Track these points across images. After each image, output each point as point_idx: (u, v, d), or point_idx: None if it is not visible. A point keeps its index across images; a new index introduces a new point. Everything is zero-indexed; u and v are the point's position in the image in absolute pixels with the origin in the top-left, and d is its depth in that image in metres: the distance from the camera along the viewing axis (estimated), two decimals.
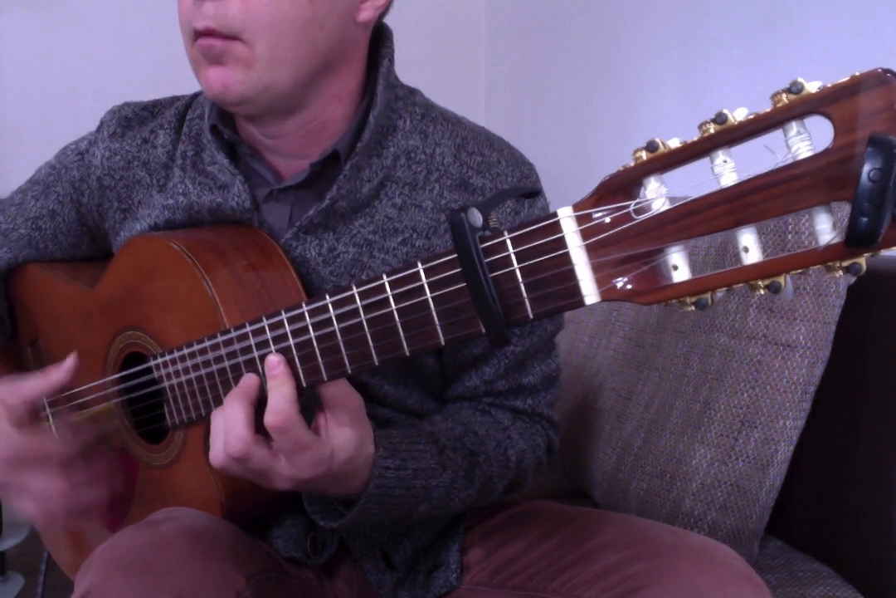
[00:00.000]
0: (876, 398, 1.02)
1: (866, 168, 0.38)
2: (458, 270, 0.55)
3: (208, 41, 0.75)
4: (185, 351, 0.75)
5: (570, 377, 1.42)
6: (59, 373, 0.82)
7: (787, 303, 0.99)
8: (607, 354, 1.34)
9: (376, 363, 0.62)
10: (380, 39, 0.85)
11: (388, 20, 0.86)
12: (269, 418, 0.64)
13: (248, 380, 0.68)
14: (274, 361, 0.66)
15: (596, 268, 0.50)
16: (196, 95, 0.92)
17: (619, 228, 0.49)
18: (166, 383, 0.79)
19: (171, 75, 1.23)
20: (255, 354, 0.68)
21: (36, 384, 0.82)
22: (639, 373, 1.23)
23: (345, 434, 0.68)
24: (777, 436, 1.00)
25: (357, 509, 0.72)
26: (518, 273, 0.53)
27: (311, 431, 0.66)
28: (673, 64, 1.60)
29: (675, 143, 0.46)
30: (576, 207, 0.50)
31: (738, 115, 0.44)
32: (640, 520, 0.80)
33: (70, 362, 0.82)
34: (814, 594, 0.99)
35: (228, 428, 0.65)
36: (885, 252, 0.41)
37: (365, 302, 0.60)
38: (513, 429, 0.86)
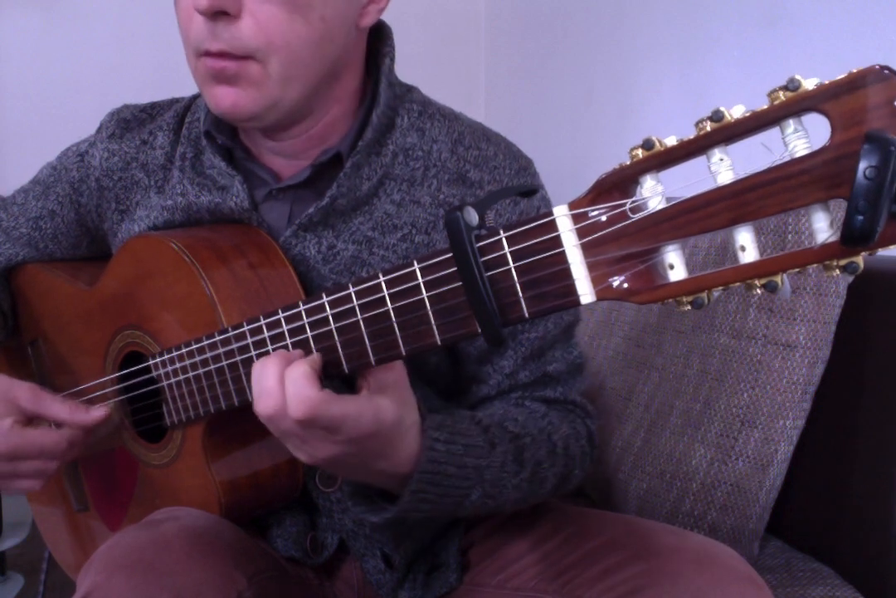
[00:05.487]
0: (876, 398, 1.01)
1: (862, 165, 0.38)
2: (454, 269, 0.54)
3: (221, 63, 0.73)
4: (184, 350, 0.75)
5: None
6: (85, 418, 0.83)
7: (786, 303, 0.99)
8: (607, 354, 1.33)
9: (373, 363, 0.61)
10: (380, 37, 0.85)
11: (389, 20, 0.86)
12: (293, 408, 0.58)
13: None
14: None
15: (591, 267, 0.49)
16: (195, 97, 0.92)
17: (614, 227, 0.48)
18: (165, 383, 0.79)
19: (172, 76, 1.22)
20: (253, 353, 0.68)
21: (59, 411, 0.84)
22: (639, 373, 1.23)
23: (386, 396, 0.63)
24: (777, 436, 1.00)
25: (410, 488, 0.66)
26: (514, 272, 0.52)
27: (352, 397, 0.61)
28: (673, 64, 1.60)
29: (671, 140, 0.45)
30: (571, 206, 0.50)
31: (735, 112, 0.43)
32: (640, 520, 0.80)
33: (99, 413, 0.83)
34: (814, 594, 0.98)
35: (295, 389, 0.59)
36: (883, 252, 0.41)
37: (361, 301, 0.60)
38: (552, 416, 0.82)
